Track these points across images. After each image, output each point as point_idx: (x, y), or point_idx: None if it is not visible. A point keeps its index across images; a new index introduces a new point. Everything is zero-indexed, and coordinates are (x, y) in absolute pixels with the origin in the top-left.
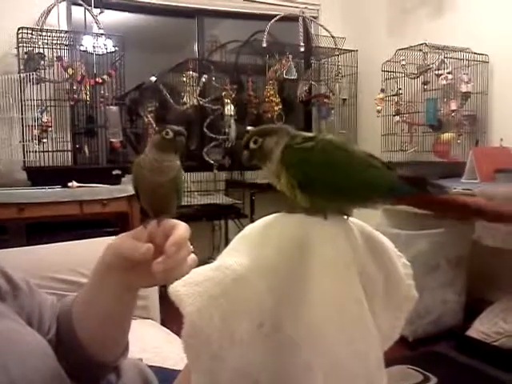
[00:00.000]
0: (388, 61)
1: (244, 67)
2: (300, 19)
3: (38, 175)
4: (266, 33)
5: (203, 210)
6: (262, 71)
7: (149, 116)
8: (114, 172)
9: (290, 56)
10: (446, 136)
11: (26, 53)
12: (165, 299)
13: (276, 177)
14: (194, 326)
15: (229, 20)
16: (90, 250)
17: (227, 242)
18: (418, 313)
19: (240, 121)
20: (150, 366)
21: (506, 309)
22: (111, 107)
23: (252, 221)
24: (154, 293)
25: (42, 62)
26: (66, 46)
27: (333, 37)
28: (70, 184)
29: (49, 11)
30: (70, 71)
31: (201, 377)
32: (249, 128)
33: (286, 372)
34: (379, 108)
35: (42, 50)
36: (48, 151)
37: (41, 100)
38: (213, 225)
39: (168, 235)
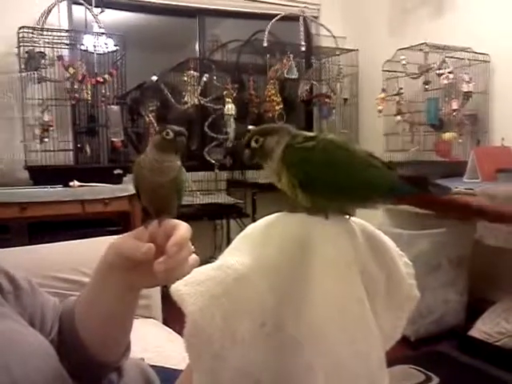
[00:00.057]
0: (389, 60)
1: (245, 66)
2: (301, 19)
3: (40, 174)
4: (266, 32)
5: (205, 209)
6: (263, 71)
7: (150, 115)
8: (116, 171)
9: (291, 55)
10: (448, 135)
11: (26, 52)
12: (167, 298)
13: (277, 176)
14: (196, 325)
15: (230, 19)
16: (91, 250)
17: (229, 242)
18: (420, 312)
19: (241, 120)
20: (152, 366)
21: (508, 309)
22: (112, 106)
23: (254, 220)
24: (156, 292)
25: (43, 62)
26: (67, 45)
27: (334, 36)
28: (71, 183)
29: (49, 10)
30: (71, 70)
31: (202, 376)
32: (250, 127)
33: (288, 372)
34: (380, 108)
35: (42, 50)
36: (49, 150)
37: (42, 99)
38: (214, 224)
39: (169, 235)
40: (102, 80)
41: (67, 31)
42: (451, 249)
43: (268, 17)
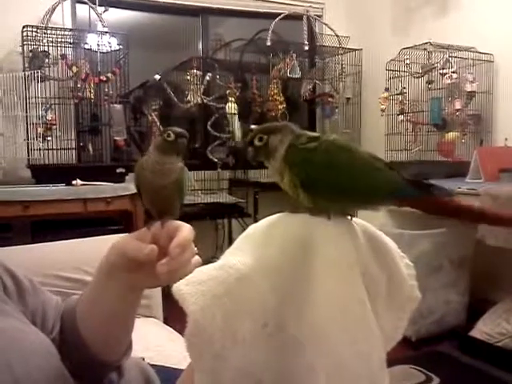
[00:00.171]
0: (392, 60)
1: (248, 66)
2: (304, 18)
3: (43, 173)
4: (270, 31)
5: (207, 208)
6: (266, 70)
7: (153, 114)
8: (118, 170)
9: (294, 55)
10: (451, 135)
11: (30, 51)
12: (168, 298)
13: (279, 175)
14: (198, 324)
15: (233, 18)
16: (93, 248)
17: (231, 241)
18: (421, 313)
19: (244, 119)
20: (153, 365)
21: (509, 309)
22: (115, 105)
23: (255, 220)
24: (157, 291)
25: (47, 60)
26: (71, 44)
27: (337, 36)
28: (74, 182)
29: (53, 9)
30: (75, 69)
31: (203, 376)
32: (253, 126)
33: (290, 372)
34: (383, 107)
35: (46, 48)
36: (52, 149)
37: (45, 98)
38: (216, 224)
39: (172, 237)
40: (105, 79)
41: (71, 30)
42: (452, 249)
43: (272, 16)
